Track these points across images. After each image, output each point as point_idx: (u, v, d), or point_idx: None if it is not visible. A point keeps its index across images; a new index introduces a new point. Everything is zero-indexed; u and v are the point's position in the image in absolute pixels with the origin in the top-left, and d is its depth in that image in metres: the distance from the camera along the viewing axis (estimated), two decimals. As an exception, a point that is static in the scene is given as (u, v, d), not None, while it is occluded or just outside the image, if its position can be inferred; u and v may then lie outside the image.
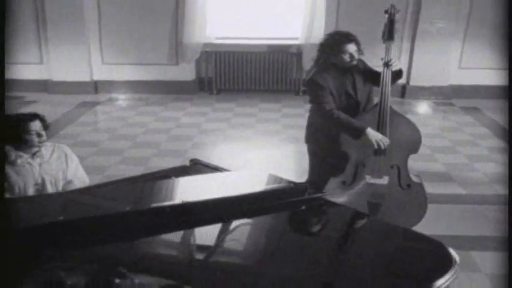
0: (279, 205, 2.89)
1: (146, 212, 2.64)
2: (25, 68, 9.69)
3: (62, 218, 2.66)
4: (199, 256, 2.66)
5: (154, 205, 2.75)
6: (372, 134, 3.93)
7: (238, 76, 9.54)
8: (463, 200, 5.34)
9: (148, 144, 6.94)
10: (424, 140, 6.69)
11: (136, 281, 2.31)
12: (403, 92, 9.23)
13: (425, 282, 2.20)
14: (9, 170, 3.47)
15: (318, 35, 8.27)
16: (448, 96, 9.06)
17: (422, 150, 6.42)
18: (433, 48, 8.89)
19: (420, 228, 4.31)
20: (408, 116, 7.95)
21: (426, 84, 9.09)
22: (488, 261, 4.17)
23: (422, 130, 7.14)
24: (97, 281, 2.36)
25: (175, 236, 2.66)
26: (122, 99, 9.43)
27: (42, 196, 3.33)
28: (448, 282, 2.21)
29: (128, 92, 9.62)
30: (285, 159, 6.41)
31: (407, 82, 9.22)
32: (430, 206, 4.87)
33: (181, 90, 9.56)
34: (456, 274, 2.29)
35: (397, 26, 4.22)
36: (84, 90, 9.56)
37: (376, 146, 3.94)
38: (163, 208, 2.62)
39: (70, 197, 3.13)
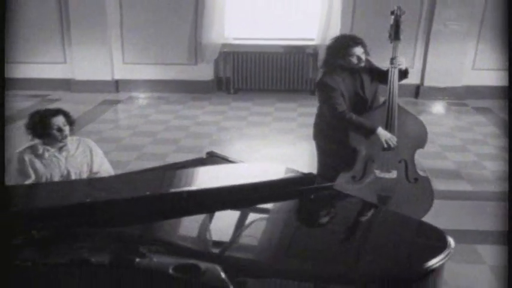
0: (290, 193, 3.09)
1: (165, 196, 2.86)
2: (49, 67, 10.02)
3: (88, 200, 2.89)
4: (213, 239, 2.86)
5: (172, 190, 2.97)
6: (382, 133, 4.10)
7: (255, 76, 9.75)
8: (470, 196, 5.49)
9: (167, 140, 7.18)
10: (435, 139, 6.97)
11: (155, 260, 2.51)
12: (417, 92, 9.36)
13: (419, 261, 2.40)
14: (37, 162, 3.69)
15: (334, 36, 8.46)
16: (461, 96, 9.17)
17: (433, 148, 6.68)
18: (447, 49, 9.00)
19: (433, 222, 4.51)
20: (422, 115, 8.16)
21: (440, 84, 9.21)
22: (492, 253, 4.33)
23: (435, 129, 7.41)
24: (119, 260, 2.57)
25: (191, 220, 2.87)
26: (142, 97, 9.69)
27: (70, 181, 3.56)
28: (441, 262, 2.40)
29: (148, 91, 9.88)
30: (300, 156, 6.58)
31: (422, 83, 9.36)
32: (438, 202, 5.03)
33: (200, 90, 9.79)
34: (449, 256, 2.47)
35: (403, 26, 4.37)
36: (106, 89, 9.84)
37: (385, 145, 4.11)
38: (181, 193, 2.84)
39: (95, 183, 3.37)
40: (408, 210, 4.26)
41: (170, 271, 2.39)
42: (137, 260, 2.50)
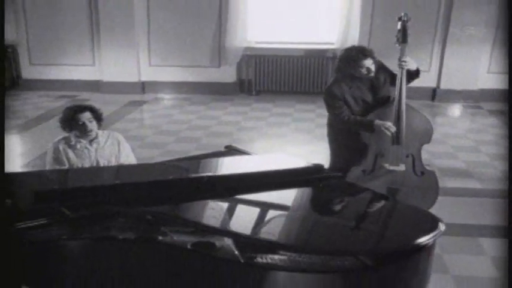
0: (300, 180, 3.39)
1: (186, 180, 3.18)
2: (79, 69, 10.51)
3: (117, 181, 3.23)
4: (228, 220, 3.16)
5: (193, 175, 3.30)
6: (380, 123, 4.38)
7: (276, 78, 10.09)
8: (478, 193, 5.71)
9: (189, 139, 7.51)
10: (448, 140, 7.21)
11: (175, 237, 2.80)
12: (433, 95, 9.60)
13: (409, 239, 2.69)
14: (70, 152, 4.03)
15: (353, 40, 8.78)
16: (476, 99, 9.39)
17: (446, 148, 6.93)
18: (462, 53, 9.24)
19: (440, 216, 4.76)
20: (437, 118, 8.44)
21: (456, 87, 9.43)
22: (492, 246, 4.56)
23: (449, 131, 7.66)
24: (143, 237, 2.87)
25: (209, 203, 3.18)
26: (167, 98, 10.09)
27: (100, 167, 3.90)
28: (430, 241, 2.66)
29: (173, 92, 10.28)
30: (316, 154, 6.80)
31: (438, 86, 9.59)
32: (447, 198, 5.34)
33: (222, 91, 10.15)
34: (437, 236, 2.73)
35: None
36: (133, 90, 10.28)
37: (388, 133, 4.38)
38: (201, 178, 3.16)
39: (122, 169, 3.72)
40: (415, 202, 4.48)
41: (189, 247, 2.69)
42: (160, 238, 2.75)
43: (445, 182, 5.88)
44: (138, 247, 2.76)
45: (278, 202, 3.21)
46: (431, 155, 6.73)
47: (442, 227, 2.81)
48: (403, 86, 4.47)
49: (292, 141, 7.53)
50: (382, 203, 3.40)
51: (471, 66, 9.33)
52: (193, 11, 9.95)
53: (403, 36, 4.51)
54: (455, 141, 7.35)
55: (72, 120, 4.01)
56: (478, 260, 4.39)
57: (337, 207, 3.26)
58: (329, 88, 4.63)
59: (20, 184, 3.10)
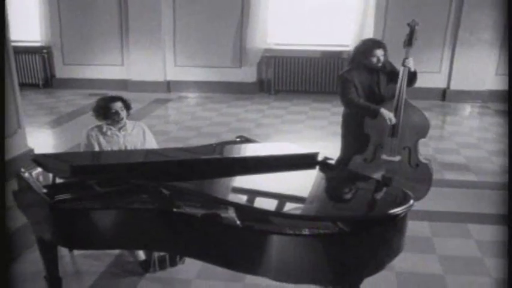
0: (298, 164, 3.93)
1: (201, 160, 3.76)
2: (108, 69, 11.23)
3: (140, 160, 3.80)
4: (233, 195, 3.68)
5: (206, 157, 3.87)
6: (386, 113, 4.85)
7: (294, 78, 10.64)
8: (473, 185, 6.15)
9: (210, 134, 8.06)
10: (454, 137, 7.70)
11: (187, 209, 3.32)
12: (443, 95, 10.04)
13: (382, 210, 3.21)
14: (101, 138, 4.52)
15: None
16: (485, 100, 9.81)
17: (450, 145, 7.39)
18: (472, 55, 9.67)
19: (434, 204, 5.36)
20: (446, 117, 8.84)
21: (465, 88, 9.86)
22: (478, 231, 5.01)
23: (454, 129, 8.11)
24: (160, 208, 3.39)
25: (218, 180, 3.70)
26: (191, 97, 10.73)
27: (128, 150, 4.47)
28: (400, 212, 3.12)
29: (196, 91, 10.92)
30: (327, 149, 7.30)
31: (448, 86, 10.03)
32: (444, 189, 5.84)
33: (243, 91, 10.75)
34: (407, 209, 3.20)
35: (417, 35, 5.06)
36: (158, 89, 10.95)
37: (389, 122, 4.86)
38: (213, 159, 3.73)
39: (147, 151, 4.30)
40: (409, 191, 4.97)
41: (199, 215, 3.23)
42: (174, 210, 3.31)
43: (444, 175, 6.35)
44: (156, 216, 3.28)
45: (276, 181, 3.72)
46: (435, 150, 7.20)
47: (412, 202, 3.25)
48: (403, 83, 4.91)
49: (305, 137, 8.02)
50: (364, 181, 3.92)
51: (480, 68, 9.75)
52: (217, 15, 10.56)
53: (409, 40, 4.98)
54: (460, 138, 7.81)
55: (106, 108, 4.48)
56: (464, 242, 4.83)
57: (325, 185, 3.76)
58: (342, 74, 5.16)
59: (59, 161, 3.68)
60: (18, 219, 4.39)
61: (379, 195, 3.61)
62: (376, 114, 4.91)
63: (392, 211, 3.12)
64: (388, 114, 4.88)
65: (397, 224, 3.16)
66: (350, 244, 3.00)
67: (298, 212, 3.30)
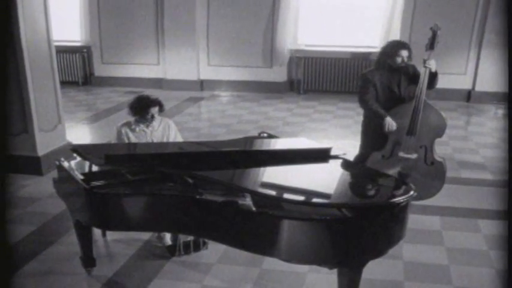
0: (314, 157, 4.26)
1: (223, 153, 4.15)
2: (145, 68, 11.72)
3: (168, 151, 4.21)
4: (250, 184, 4.00)
5: (229, 149, 4.26)
6: (388, 122, 5.13)
7: (323, 78, 10.95)
8: (488, 183, 6.34)
9: (239, 131, 8.36)
10: (474, 137, 7.87)
11: (208, 197, 3.67)
12: (468, 96, 10.20)
13: (385, 198, 3.54)
14: (130, 134, 4.85)
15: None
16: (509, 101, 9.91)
17: (469, 145, 7.63)
18: (496, 57, 9.77)
19: (447, 200, 5.63)
20: (470, 117, 9.01)
21: (490, 90, 10.01)
22: (487, 226, 5.24)
23: (476, 129, 8.26)
24: (183, 194, 3.76)
25: (238, 170, 4.05)
26: (223, 95, 11.13)
27: (154, 143, 4.85)
28: (402, 201, 3.40)
29: (228, 90, 11.32)
30: (350, 146, 7.54)
31: (473, 88, 10.19)
32: (460, 187, 6.07)
33: (273, 90, 11.10)
34: (407, 200, 3.47)
35: (439, 39, 5.28)
36: (192, 88, 11.39)
37: (386, 130, 5.14)
38: (234, 151, 4.13)
39: (173, 144, 4.70)
40: (423, 187, 5.13)
41: (219, 201, 3.60)
42: (196, 196, 3.66)
43: (460, 173, 6.57)
44: (181, 202, 3.64)
45: (291, 172, 4.04)
46: (454, 150, 7.41)
47: (412, 193, 3.49)
48: (424, 84, 5.13)
49: (330, 135, 8.31)
50: (369, 174, 4.24)
51: (503, 69, 9.80)
52: (248, 17, 10.94)
53: (431, 44, 5.22)
54: (481, 138, 8.00)
55: (144, 111, 4.75)
56: (472, 236, 5.07)
57: (333, 176, 4.07)
58: (364, 73, 5.46)
59: (95, 150, 4.11)
60: (58, 206, 4.84)
61: (382, 186, 3.91)
62: (381, 120, 5.18)
63: (393, 200, 3.43)
64: (389, 124, 5.15)
65: (397, 212, 3.44)
66: (352, 229, 3.29)
67: (306, 199, 3.63)
